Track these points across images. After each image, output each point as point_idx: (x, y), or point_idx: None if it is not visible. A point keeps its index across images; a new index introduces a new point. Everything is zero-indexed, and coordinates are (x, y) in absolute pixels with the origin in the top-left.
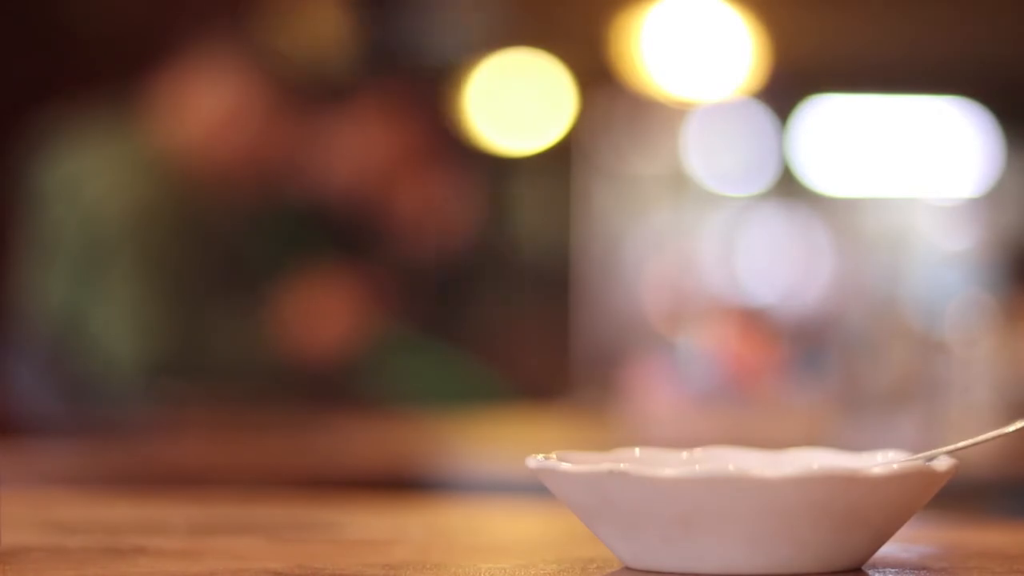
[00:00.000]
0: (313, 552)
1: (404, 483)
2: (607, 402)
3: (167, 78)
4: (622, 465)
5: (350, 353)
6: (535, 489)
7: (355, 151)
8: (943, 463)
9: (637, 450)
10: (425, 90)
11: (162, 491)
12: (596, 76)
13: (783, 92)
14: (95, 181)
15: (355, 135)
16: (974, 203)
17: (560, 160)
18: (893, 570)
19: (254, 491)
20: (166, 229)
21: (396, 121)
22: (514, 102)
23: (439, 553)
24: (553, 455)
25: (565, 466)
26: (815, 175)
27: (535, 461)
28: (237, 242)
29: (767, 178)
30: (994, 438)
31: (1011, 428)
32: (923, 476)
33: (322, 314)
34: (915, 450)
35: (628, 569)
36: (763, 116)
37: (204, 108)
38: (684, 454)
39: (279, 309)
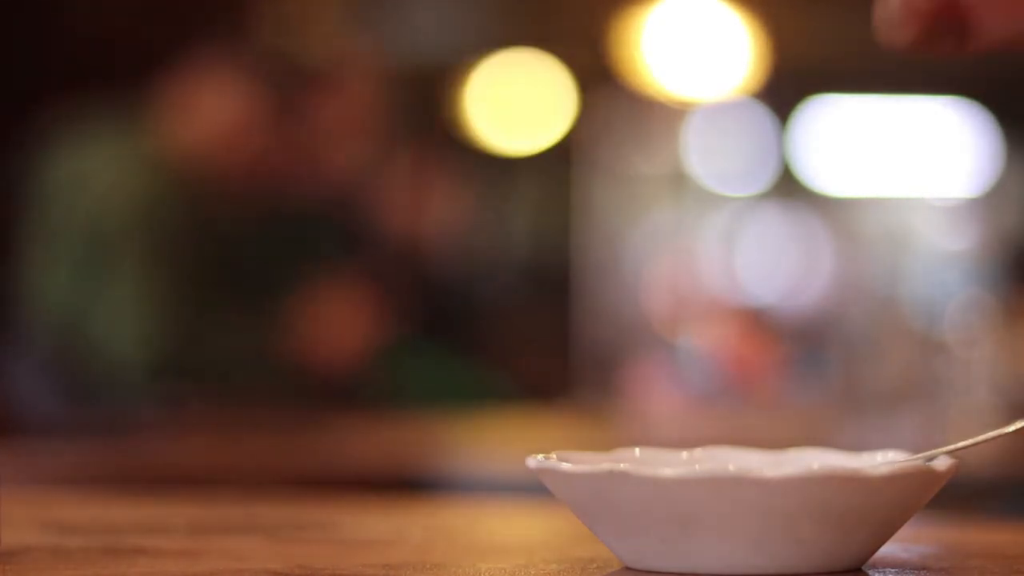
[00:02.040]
0: (313, 552)
1: (404, 483)
2: (607, 402)
3: (172, 78)
4: (622, 465)
5: (360, 362)
6: (535, 489)
7: (345, 144)
8: (943, 463)
9: (637, 450)
10: (419, 86)
11: (162, 491)
12: (596, 76)
13: (783, 92)
14: (98, 180)
15: (345, 129)
16: (974, 203)
17: (560, 160)
18: (893, 570)
19: (254, 491)
20: (169, 228)
21: (381, 113)
22: (514, 102)
23: (439, 553)
24: (553, 455)
25: (565, 466)
26: (815, 175)
27: (535, 461)
28: (241, 242)
29: (767, 178)
30: (994, 438)
31: (1011, 428)
32: (923, 476)
33: (334, 324)
34: (915, 450)
35: (628, 569)
36: (763, 116)
37: (209, 110)
38: (684, 454)
39: (286, 313)
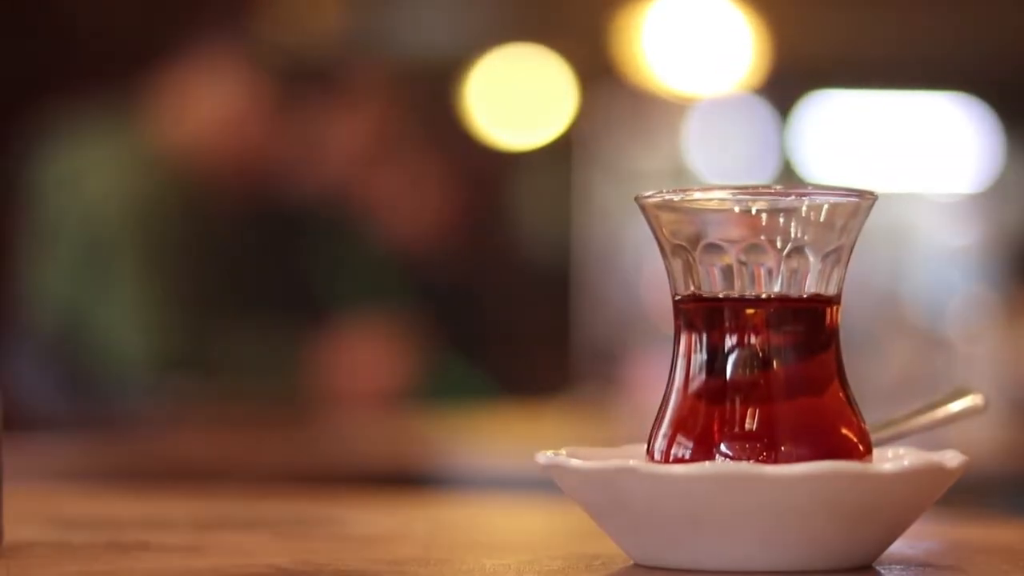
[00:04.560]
0: (317, 548)
1: (408, 479)
2: (609, 398)
3: (168, 74)
4: (631, 462)
5: (387, 397)
6: (539, 485)
7: (344, 139)
8: (954, 460)
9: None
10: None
11: (166, 487)
12: (597, 71)
13: (784, 87)
14: (95, 177)
15: (344, 124)
16: (976, 199)
17: (561, 155)
18: (899, 566)
19: (258, 487)
20: (167, 225)
21: (380, 108)
22: (515, 97)
23: (443, 549)
24: (563, 451)
25: (575, 463)
26: (816, 171)
27: (545, 457)
28: (239, 239)
29: (768, 173)
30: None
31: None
32: (933, 473)
33: (360, 363)
34: (920, 447)
35: (637, 566)
36: (764, 111)
37: (205, 105)
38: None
39: (300, 325)
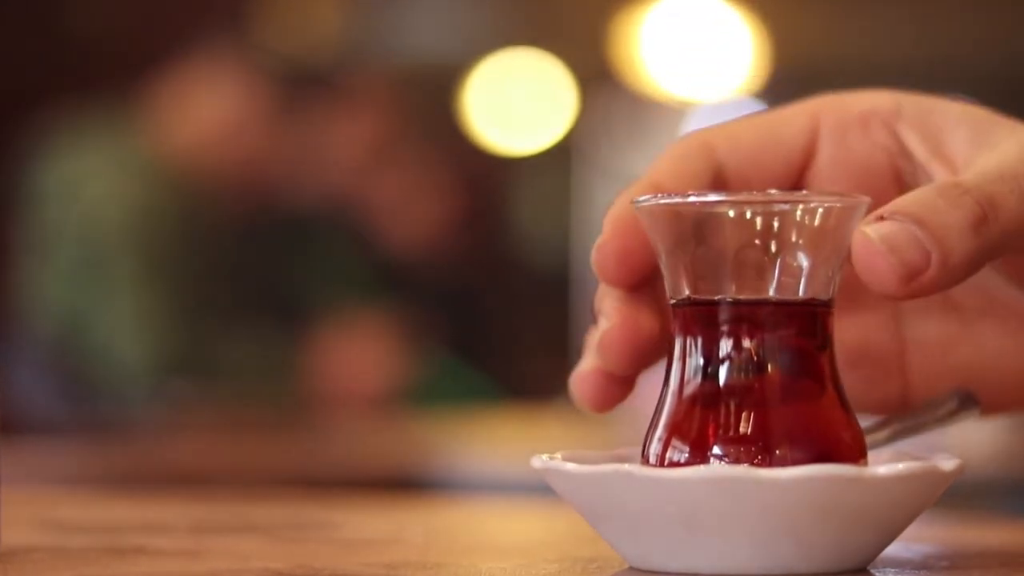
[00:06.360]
0: (313, 552)
1: (404, 483)
2: None
3: (168, 79)
4: (626, 465)
5: (380, 394)
6: (536, 488)
7: (343, 144)
8: (950, 463)
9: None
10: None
11: (163, 491)
12: (596, 76)
13: (784, 92)
14: (94, 182)
15: (343, 129)
16: None
17: (560, 160)
18: (894, 570)
19: (255, 491)
20: (166, 231)
21: (380, 113)
22: (514, 102)
23: (439, 553)
24: (558, 455)
25: (570, 466)
26: None
27: (540, 461)
28: (239, 245)
29: None
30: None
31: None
32: (930, 476)
33: (354, 359)
34: (916, 450)
35: (632, 569)
36: None
37: (205, 110)
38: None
39: (297, 325)
